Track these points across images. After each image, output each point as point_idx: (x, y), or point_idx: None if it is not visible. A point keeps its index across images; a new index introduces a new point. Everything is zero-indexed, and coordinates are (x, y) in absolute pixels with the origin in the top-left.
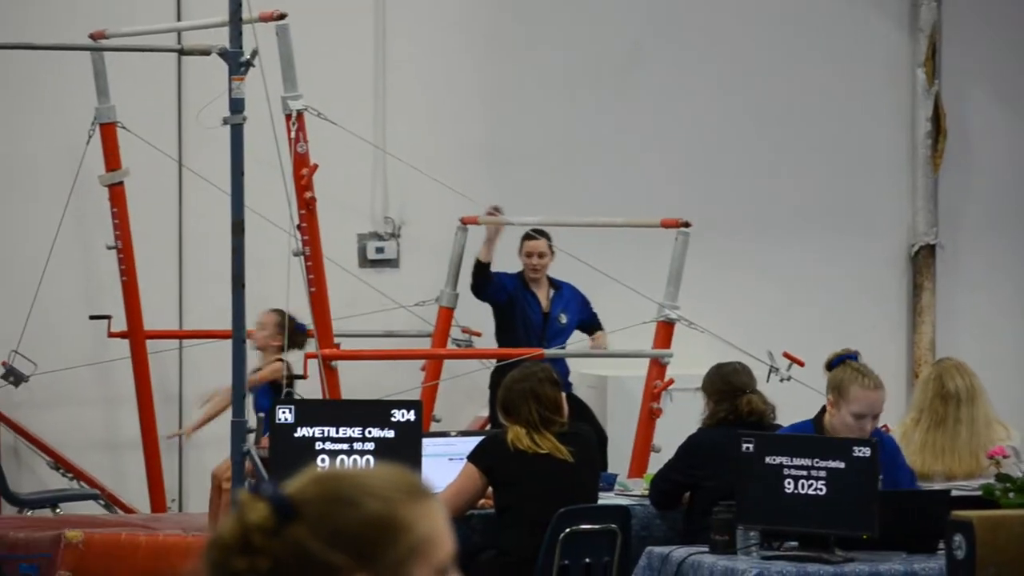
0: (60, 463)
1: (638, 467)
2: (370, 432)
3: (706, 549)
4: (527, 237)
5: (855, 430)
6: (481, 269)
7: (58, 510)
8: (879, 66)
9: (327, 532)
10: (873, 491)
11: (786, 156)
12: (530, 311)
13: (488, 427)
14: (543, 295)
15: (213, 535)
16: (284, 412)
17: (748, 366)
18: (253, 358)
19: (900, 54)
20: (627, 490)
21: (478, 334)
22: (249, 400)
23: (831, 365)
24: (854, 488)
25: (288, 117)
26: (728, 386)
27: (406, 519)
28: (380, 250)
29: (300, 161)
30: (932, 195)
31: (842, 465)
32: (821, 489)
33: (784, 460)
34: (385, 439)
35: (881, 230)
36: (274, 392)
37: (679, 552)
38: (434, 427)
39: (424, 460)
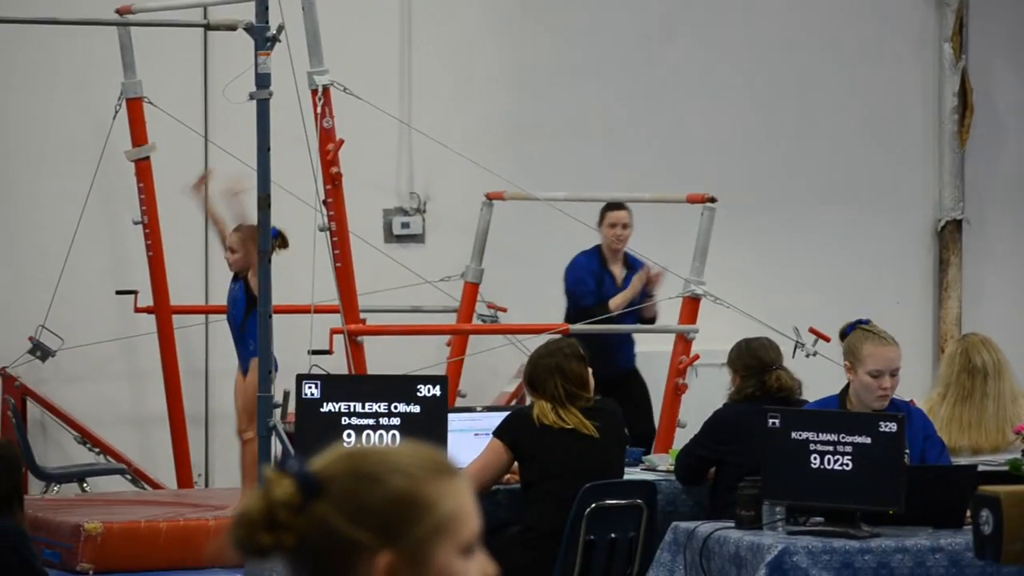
0: (87, 438)
1: (664, 442)
2: (396, 407)
3: (732, 524)
4: (609, 208)
5: (874, 390)
6: (596, 313)
7: (85, 484)
8: (906, 41)
9: (352, 509)
10: (899, 466)
11: (812, 131)
12: (605, 292)
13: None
14: (618, 272)
15: (238, 512)
16: (310, 387)
17: (775, 342)
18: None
19: (927, 29)
20: (653, 465)
21: (503, 309)
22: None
23: (844, 334)
24: (880, 463)
25: (314, 92)
26: (757, 361)
27: (431, 496)
28: (406, 225)
29: (326, 136)
30: (958, 170)
31: (868, 440)
32: (847, 464)
33: (810, 435)
34: (411, 414)
35: (907, 205)
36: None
37: (705, 527)
38: (459, 402)
39: (450, 435)
